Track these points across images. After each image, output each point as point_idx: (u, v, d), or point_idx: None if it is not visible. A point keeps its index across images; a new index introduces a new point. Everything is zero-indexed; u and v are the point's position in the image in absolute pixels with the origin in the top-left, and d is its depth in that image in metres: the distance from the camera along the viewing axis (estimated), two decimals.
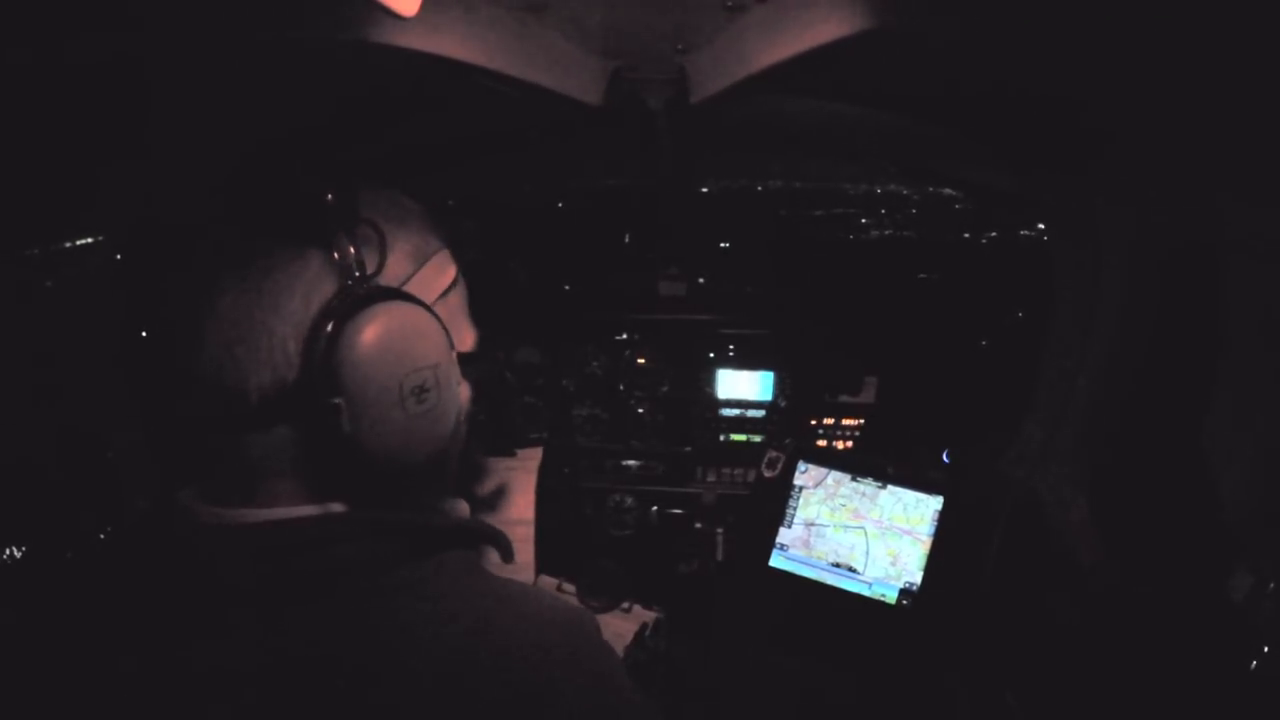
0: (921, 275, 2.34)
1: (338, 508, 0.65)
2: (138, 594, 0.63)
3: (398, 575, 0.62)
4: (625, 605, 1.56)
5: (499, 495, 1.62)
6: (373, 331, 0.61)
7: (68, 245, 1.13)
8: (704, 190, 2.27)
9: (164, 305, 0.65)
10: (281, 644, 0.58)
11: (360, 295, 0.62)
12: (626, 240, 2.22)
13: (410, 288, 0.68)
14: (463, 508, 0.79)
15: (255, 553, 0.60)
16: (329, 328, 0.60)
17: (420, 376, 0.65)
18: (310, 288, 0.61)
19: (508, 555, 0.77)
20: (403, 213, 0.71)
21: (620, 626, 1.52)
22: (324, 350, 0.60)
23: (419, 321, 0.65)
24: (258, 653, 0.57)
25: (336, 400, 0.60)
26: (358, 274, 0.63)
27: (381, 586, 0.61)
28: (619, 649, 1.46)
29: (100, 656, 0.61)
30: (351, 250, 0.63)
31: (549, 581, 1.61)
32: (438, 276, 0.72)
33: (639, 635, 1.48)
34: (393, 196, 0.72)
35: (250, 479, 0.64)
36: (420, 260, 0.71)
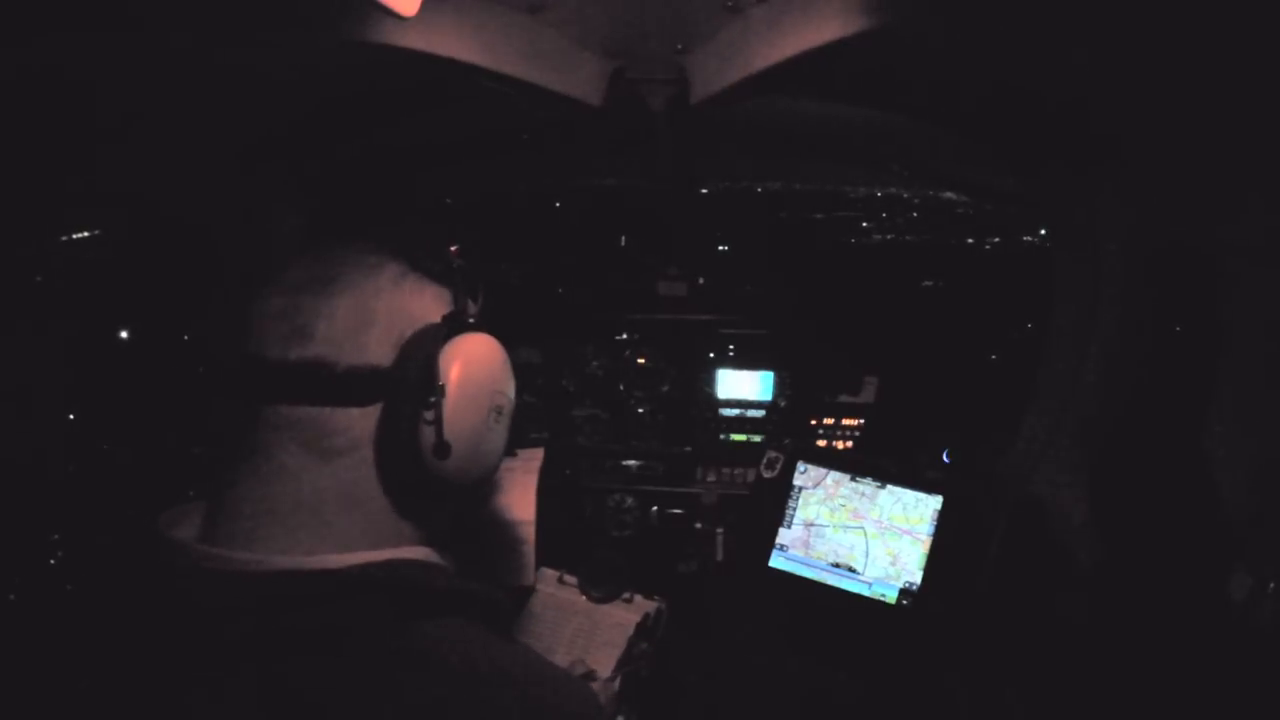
0: (926, 282, 2.33)
1: (350, 558, 0.63)
2: (134, 639, 0.62)
3: (400, 638, 0.61)
4: (627, 596, 1.56)
5: (499, 495, 1.63)
6: (480, 346, 0.71)
7: (63, 239, 1.12)
8: (704, 191, 2.27)
9: (262, 285, 0.67)
10: (280, 703, 0.57)
11: (471, 322, 0.72)
12: (622, 242, 2.22)
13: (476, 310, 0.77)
14: (450, 562, 0.79)
15: (257, 606, 0.59)
16: (443, 334, 0.68)
17: (502, 399, 0.74)
18: (428, 306, 0.70)
19: (504, 624, 0.76)
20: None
21: (622, 617, 1.52)
22: (435, 350, 0.67)
23: (505, 358, 0.75)
24: (256, 710, 0.56)
25: (442, 383, 0.66)
26: (462, 308, 0.72)
27: (384, 649, 0.60)
28: (621, 640, 1.47)
29: (97, 703, 0.59)
30: (465, 291, 0.74)
31: (550, 574, 1.61)
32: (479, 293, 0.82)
33: (641, 626, 1.48)
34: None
35: (265, 522, 0.62)
36: (476, 284, 0.79)
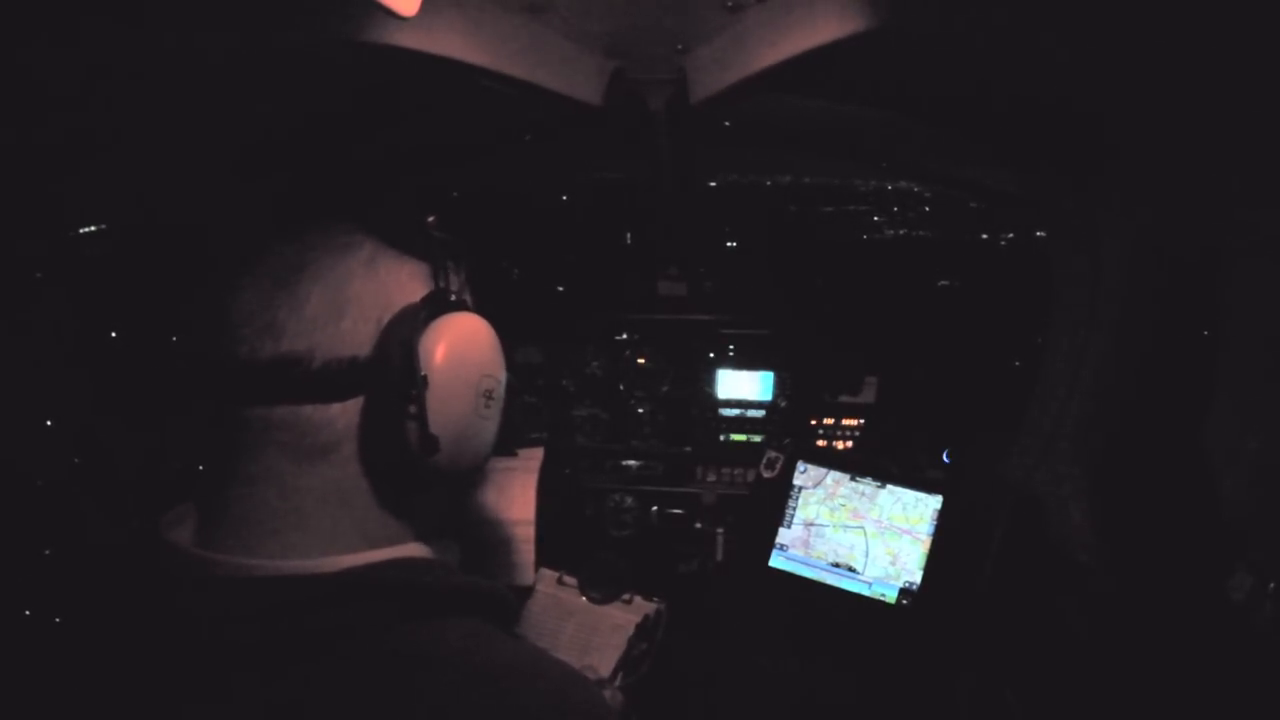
0: (943, 282, 2.30)
1: (351, 559, 0.62)
2: (131, 647, 0.60)
3: (406, 639, 0.60)
4: (626, 597, 1.56)
5: (499, 495, 1.62)
6: (464, 328, 0.67)
7: (67, 235, 1.11)
8: (711, 185, 2.26)
9: (235, 272, 0.63)
10: (284, 709, 0.55)
11: (453, 301, 0.68)
12: (628, 240, 2.21)
13: (460, 290, 0.72)
14: (455, 553, 0.77)
15: (259, 610, 0.58)
16: (423, 316, 0.64)
17: (492, 382, 0.70)
18: (406, 286, 0.66)
19: (510, 622, 0.73)
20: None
21: (621, 618, 1.52)
22: (415, 335, 0.63)
23: (493, 337, 0.71)
24: (260, 717, 0.55)
25: (424, 374, 0.62)
26: (443, 285, 0.68)
27: (390, 651, 0.58)
28: (620, 641, 1.47)
29: (98, 712, 0.58)
30: (446, 266, 0.69)
31: (550, 574, 1.61)
32: (462, 271, 0.76)
33: (641, 627, 1.48)
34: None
35: (261, 526, 0.61)
36: (459, 259, 0.75)
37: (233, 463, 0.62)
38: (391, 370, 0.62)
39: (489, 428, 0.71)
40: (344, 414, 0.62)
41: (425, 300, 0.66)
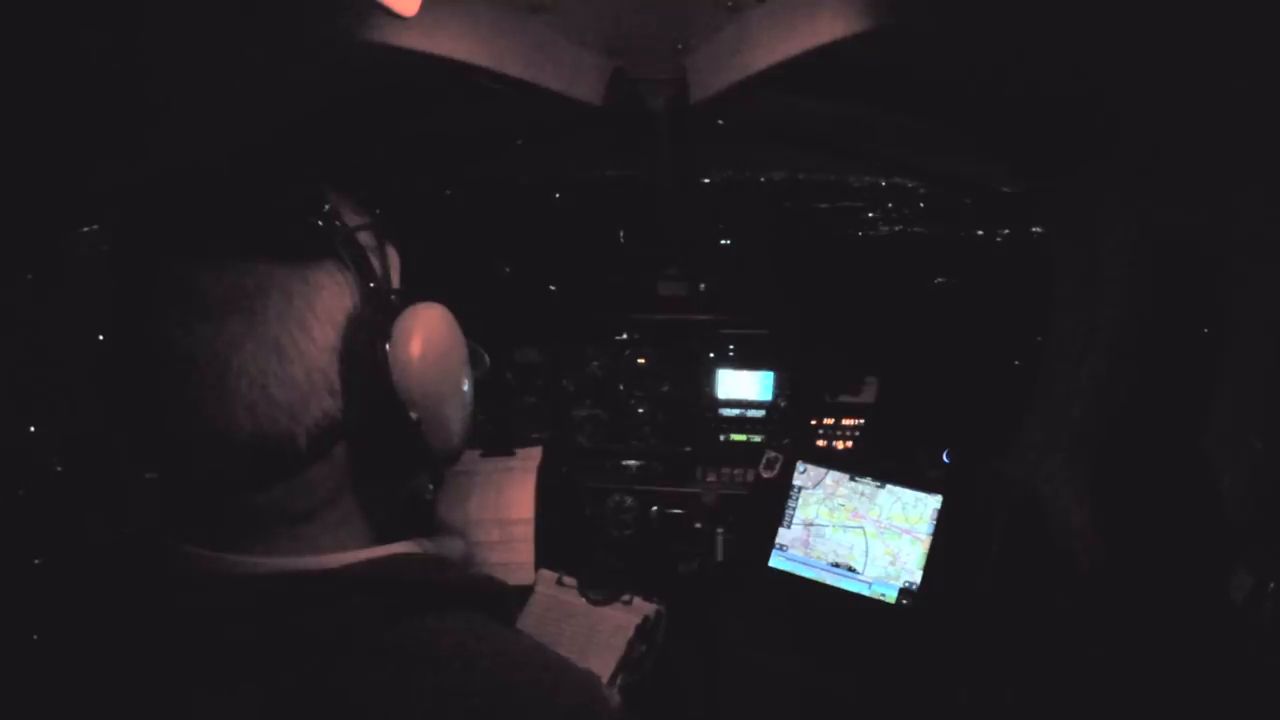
0: (940, 280, 2.28)
1: (350, 556, 0.62)
2: (131, 646, 0.60)
3: (400, 636, 0.60)
4: (625, 598, 1.56)
5: (499, 495, 1.62)
6: (429, 338, 0.61)
7: (66, 235, 1.10)
8: (706, 181, 2.25)
9: (161, 358, 0.55)
10: (286, 706, 0.55)
11: (395, 305, 0.61)
12: (621, 239, 2.21)
13: (395, 278, 0.67)
14: (459, 547, 0.77)
15: (258, 608, 0.58)
16: (383, 345, 0.59)
17: (466, 374, 0.67)
18: (332, 308, 0.58)
19: (506, 615, 0.73)
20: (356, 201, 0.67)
21: (621, 620, 1.52)
22: (384, 369, 0.59)
23: (447, 316, 0.65)
24: (261, 715, 0.55)
25: (414, 415, 0.60)
26: (372, 284, 0.61)
27: (385, 648, 0.58)
28: (620, 643, 1.47)
29: (99, 713, 0.58)
30: (361, 258, 0.61)
31: (549, 575, 1.60)
32: (394, 256, 0.69)
33: (640, 628, 1.48)
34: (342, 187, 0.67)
35: (259, 525, 0.60)
36: (382, 245, 0.67)
37: (242, 519, 0.61)
38: (370, 423, 0.60)
39: (470, 411, 0.70)
40: (345, 464, 0.62)
41: (366, 327, 0.59)
